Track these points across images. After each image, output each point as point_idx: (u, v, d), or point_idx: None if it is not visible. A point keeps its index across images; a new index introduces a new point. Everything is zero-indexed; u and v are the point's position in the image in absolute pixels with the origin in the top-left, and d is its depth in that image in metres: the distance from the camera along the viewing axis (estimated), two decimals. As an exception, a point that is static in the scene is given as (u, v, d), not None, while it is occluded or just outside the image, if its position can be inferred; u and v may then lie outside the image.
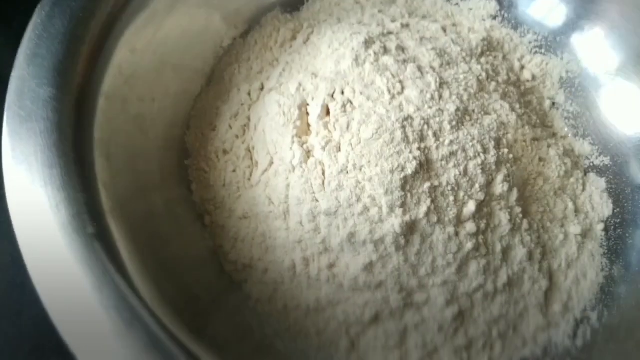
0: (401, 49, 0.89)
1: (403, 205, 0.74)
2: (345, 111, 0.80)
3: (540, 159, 0.89)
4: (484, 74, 0.91)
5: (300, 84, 0.85)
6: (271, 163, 0.83)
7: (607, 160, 0.94)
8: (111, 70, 0.78)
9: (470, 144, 0.80)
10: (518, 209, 0.81)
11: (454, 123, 0.80)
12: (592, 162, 0.95)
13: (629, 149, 0.93)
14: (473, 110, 0.84)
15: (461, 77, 0.87)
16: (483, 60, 0.96)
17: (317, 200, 0.77)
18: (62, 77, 0.71)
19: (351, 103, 0.81)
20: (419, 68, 0.84)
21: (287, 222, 0.80)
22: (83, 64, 0.73)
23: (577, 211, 0.88)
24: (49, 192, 0.64)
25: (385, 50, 0.87)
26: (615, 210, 0.90)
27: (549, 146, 0.91)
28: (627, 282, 0.84)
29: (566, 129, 0.98)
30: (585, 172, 0.94)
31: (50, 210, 0.63)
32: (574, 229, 0.86)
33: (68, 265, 0.61)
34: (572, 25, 1.01)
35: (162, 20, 0.86)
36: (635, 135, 0.93)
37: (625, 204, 0.90)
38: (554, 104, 1.00)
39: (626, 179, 0.92)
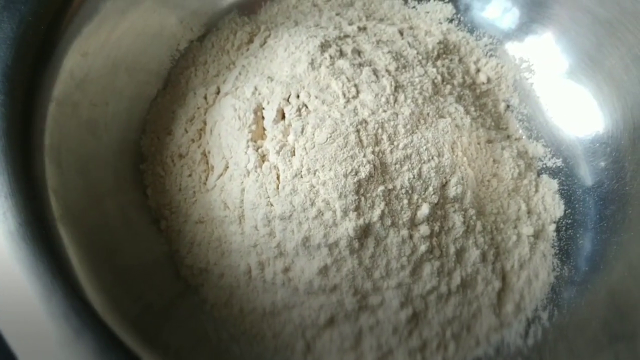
0: (357, 52, 0.89)
1: (357, 209, 0.75)
2: (300, 115, 0.80)
3: (495, 161, 0.91)
4: (439, 77, 0.92)
5: (255, 88, 0.85)
6: (226, 167, 0.83)
7: (559, 162, 0.96)
8: (62, 74, 0.77)
9: (425, 147, 0.81)
10: (472, 211, 0.83)
11: (408, 127, 0.81)
12: (545, 164, 0.96)
13: (580, 151, 0.95)
14: (428, 114, 0.85)
15: (417, 80, 0.88)
16: (439, 63, 0.97)
17: (271, 205, 0.77)
18: (10, 82, 0.70)
19: (306, 107, 0.81)
20: (375, 71, 0.85)
21: (242, 227, 0.80)
22: (32, 68, 0.73)
23: (529, 212, 0.90)
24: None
25: (342, 54, 0.87)
26: (567, 212, 0.92)
27: (502, 148, 0.92)
28: (576, 283, 0.85)
29: (520, 131, 1.00)
30: (539, 174, 0.95)
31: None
32: (527, 230, 0.87)
33: (14, 273, 0.60)
34: (525, 28, 1.02)
35: (115, 23, 0.86)
36: (586, 137, 0.95)
37: (577, 205, 0.92)
38: (508, 106, 1.02)
39: (577, 181, 0.94)
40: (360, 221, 0.75)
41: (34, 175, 0.68)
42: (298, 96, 0.82)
